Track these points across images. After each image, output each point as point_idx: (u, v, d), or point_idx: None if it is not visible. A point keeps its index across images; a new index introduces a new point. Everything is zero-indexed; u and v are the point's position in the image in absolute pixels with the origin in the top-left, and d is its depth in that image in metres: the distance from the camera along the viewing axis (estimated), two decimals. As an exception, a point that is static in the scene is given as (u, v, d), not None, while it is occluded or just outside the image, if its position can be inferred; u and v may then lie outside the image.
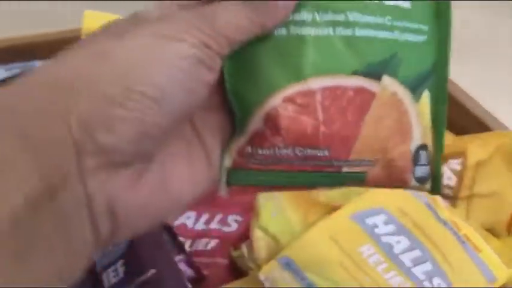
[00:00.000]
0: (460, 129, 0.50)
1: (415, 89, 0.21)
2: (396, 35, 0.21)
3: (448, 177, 0.45)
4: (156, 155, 0.20)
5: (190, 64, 0.18)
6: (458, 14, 0.72)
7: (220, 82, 0.21)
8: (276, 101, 0.20)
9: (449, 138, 0.49)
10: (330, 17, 0.20)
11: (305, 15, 0.20)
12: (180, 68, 0.18)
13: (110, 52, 0.18)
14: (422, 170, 0.22)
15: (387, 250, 0.38)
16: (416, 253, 0.38)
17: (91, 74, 0.17)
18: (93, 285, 0.35)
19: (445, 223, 0.40)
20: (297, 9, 0.20)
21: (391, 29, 0.21)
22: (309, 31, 0.20)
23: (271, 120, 0.20)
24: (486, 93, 0.52)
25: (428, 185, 0.23)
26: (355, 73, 0.20)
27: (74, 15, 0.58)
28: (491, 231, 0.44)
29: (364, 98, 0.20)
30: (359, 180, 0.21)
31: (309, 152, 0.20)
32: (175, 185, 0.20)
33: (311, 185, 0.21)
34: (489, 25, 0.73)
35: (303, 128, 0.20)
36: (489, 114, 0.48)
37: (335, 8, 0.20)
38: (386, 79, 0.21)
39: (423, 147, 0.22)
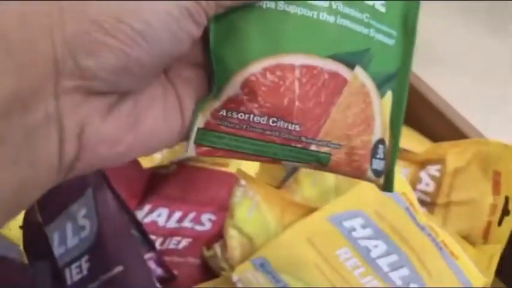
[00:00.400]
0: (436, 135, 0.50)
1: (380, 86, 0.23)
2: (372, 33, 0.22)
3: (426, 184, 0.45)
4: (133, 93, 0.20)
5: (180, 13, 0.19)
6: (438, 21, 0.72)
7: (204, 43, 0.22)
8: (256, 69, 0.21)
9: (426, 145, 0.49)
10: (316, 1, 0.21)
11: None
12: (170, 13, 0.19)
13: None
14: (378, 163, 0.23)
15: (364, 254, 0.37)
16: (394, 258, 0.38)
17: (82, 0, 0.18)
18: (54, 283, 0.32)
19: (423, 228, 0.40)
20: None
21: (367, 26, 0.22)
22: (295, 10, 0.21)
23: (250, 87, 0.21)
24: (463, 100, 0.53)
25: (382, 180, 0.24)
26: (332, 57, 0.21)
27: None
28: (468, 238, 0.43)
29: (338, 82, 0.22)
30: (323, 162, 0.22)
31: (282, 124, 0.21)
32: (147, 126, 0.20)
33: (278, 158, 0.22)
34: (468, 33, 0.74)
35: (279, 99, 0.21)
36: (465, 121, 0.48)
37: None
38: (358, 69, 0.22)
39: (382, 141, 0.23)
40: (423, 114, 0.52)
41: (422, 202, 0.44)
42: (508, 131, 0.60)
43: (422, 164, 0.46)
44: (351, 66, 0.22)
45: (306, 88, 0.21)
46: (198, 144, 0.21)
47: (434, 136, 0.50)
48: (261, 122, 0.21)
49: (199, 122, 0.21)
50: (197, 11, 0.19)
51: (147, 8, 0.18)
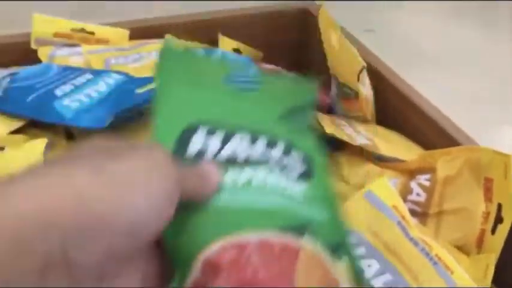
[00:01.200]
0: (425, 140, 0.49)
1: (333, 253, 0.26)
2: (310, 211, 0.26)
3: (417, 194, 0.44)
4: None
5: (171, 193, 0.21)
6: (430, 21, 0.71)
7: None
8: (213, 250, 0.23)
9: (415, 150, 0.48)
10: (256, 199, 0.25)
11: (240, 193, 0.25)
12: (165, 189, 0.21)
13: (107, 168, 0.20)
14: None
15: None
16: (388, 277, 0.37)
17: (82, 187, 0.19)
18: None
19: (416, 243, 0.39)
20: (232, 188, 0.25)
21: (300, 204, 0.26)
22: (235, 204, 0.24)
23: (211, 266, 0.22)
24: (454, 100, 0.52)
25: None
26: (281, 230, 0.24)
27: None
28: (461, 248, 0.43)
29: (291, 252, 0.24)
30: None
31: None
32: None
33: None
34: (451, 33, 0.73)
35: (241, 273, 0.22)
36: (454, 125, 0.47)
37: (262, 191, 0.26)
38: (307, 239, 0.25)
39: None
40: (411, 119, 0.51)
41: (414, 213, 0.43)
42: (500, 132, 0.59)
43: (412, 174, 0.45)
44: (299, 236, 0.24)
45: (265, 261, 0.23)
46: None
47: (423, 141, 0.50)
48: None
49: None
50: (178, 192, 0.22)
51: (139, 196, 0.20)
